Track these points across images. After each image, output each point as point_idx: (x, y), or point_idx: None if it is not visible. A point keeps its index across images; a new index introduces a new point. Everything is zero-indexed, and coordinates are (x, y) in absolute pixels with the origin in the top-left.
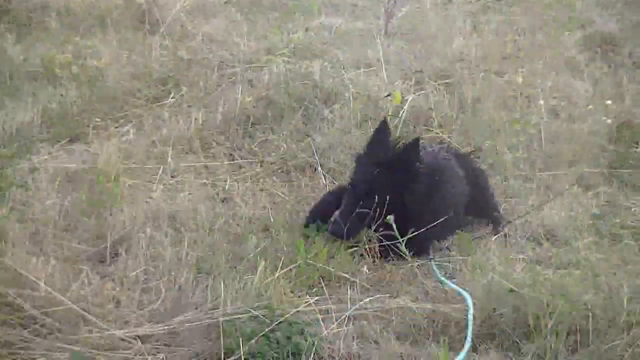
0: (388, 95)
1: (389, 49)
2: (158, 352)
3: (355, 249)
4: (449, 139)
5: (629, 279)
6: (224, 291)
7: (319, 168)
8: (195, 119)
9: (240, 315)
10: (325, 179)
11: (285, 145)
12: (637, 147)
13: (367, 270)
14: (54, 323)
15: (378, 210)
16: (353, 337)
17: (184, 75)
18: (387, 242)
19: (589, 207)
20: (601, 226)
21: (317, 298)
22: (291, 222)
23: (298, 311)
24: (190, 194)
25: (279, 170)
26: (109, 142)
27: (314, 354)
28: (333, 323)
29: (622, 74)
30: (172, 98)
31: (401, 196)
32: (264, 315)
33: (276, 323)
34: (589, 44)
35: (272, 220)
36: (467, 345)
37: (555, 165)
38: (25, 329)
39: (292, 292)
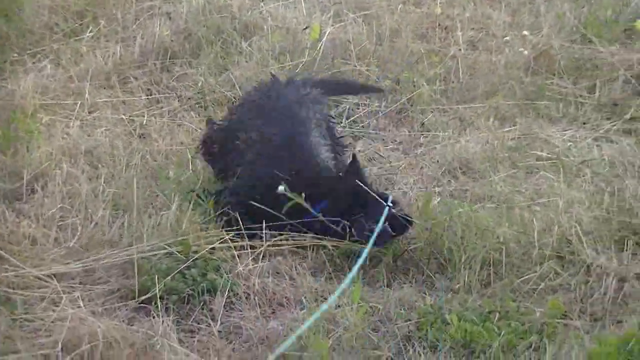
0: (306, 28)
1: None
2: (74, 290)
3: None
4: (367, 71)
5: (544, 211)
6: (139, 228)
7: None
8: (113, 53)
9: (156, 252)
10: None
11: (203, 80)
12: (553, 79)
13: None
14: None
15: None
16: (268, 273)
17: (101, 8)
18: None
19: (505, 139)
20: (516, 158)
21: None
22: None
23: (213, 248)
24: (107, 129)
25: (197, 105)
26: (26, 78)
27: (229, 290)
28: (248, 259)
29: (539, 4)
30: (90, 32)
31: None
32: (179, 252)
33: (191, 260)
34: None
35: (189, 155)
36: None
37: (472, 97)
38: None
39: (207, 229)
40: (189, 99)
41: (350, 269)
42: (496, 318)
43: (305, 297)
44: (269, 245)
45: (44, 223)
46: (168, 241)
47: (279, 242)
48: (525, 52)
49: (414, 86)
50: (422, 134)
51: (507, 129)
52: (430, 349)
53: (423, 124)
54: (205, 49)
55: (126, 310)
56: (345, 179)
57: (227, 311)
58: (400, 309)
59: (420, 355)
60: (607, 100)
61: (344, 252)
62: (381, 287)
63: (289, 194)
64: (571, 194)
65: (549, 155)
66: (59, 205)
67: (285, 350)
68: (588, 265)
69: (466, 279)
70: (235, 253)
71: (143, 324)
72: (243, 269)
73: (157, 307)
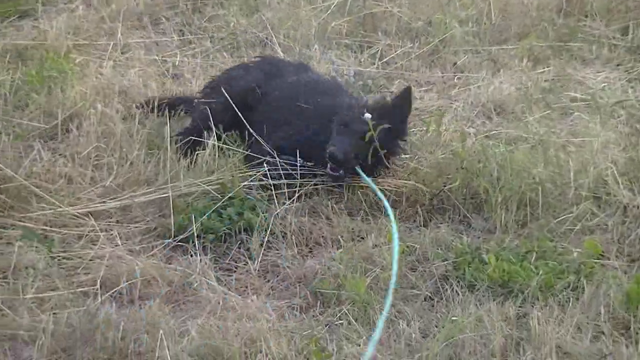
0: None
1: None
2: (111, 229)
3: None
4: (398, 13)
5: (579, 152)
6: (175, 167)
7: (272, 42)
8: None
9: (192, 191)
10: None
11: (235, 20)
12: (586, 21)
13: None
14: (5, 200)
15: None
16: (305, 213)
17: None
18: None
19: (538, 81)
20: (550, 100)
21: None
22: None
23: (250, 187)
24: (140, 69)
25: (229, 46)
26: (58, 18)
27: (265, 229)
28: (285, 199)
29: None
30: None
31: None
32: (216, 191)
33: (227, 198)
34: None
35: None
36: (395, 246)
37: (504, 39)
38: None
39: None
40: (221, 39)
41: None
42: (533, 258)
43: (341, 237)
44: (303, 185)
45: (80, 162)
46: (204, 181)
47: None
48: None
49: (446, 28)
50: (455, 76)
51: (541, 71)
52: (468, 289)
53: (456, 65)
54: None
55: (164, 248)
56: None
57: (264, 250)
58: (437, 249)
59: (458, 294)
60: None
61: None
62: (418, 226)
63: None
64: (606, 134)
65: (583, 97)
66: (94, 145)
67: (323, 289)
68: (625, 206)
69: (503, 219)
70: (273, 192)
71: (181, 263)
72: (280, 209)
73: (195, 245)
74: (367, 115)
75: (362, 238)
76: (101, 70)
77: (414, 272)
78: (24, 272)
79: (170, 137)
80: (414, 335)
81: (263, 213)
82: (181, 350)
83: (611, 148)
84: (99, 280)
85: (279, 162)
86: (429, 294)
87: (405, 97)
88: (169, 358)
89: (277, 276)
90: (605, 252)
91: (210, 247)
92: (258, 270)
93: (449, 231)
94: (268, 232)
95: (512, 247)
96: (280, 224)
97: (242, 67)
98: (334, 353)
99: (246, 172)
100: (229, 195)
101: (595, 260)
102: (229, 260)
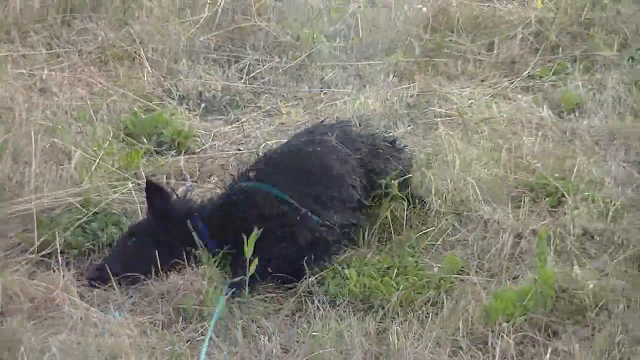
0: None
1: None
2: None
3: None
4: (267, 27)
5: (442, 168)
6: (38, 181)
7: (140, 56)
8: (13, 7)
9: (56, 205)
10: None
11: (103, 34)
12: (452, 36)
13: None
14: None
15: None
16: None
17: None
18: None
19: (403, 96)
20: (415, 115)
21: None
22: (109, 112)
23: (115, 200)
24: (8, 83)
25: (98, 60)
26: None
27: None
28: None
29: None
30: None
31: None
32: (81, 206)
33: (91, 214)
34: None
35: (90, 110)
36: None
37: (372, 54)
38: None
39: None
40: (89, 53)
41: None
42: (394, 273)
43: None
44: None
45: None
46: (68, 193)
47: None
48: (424, 9)
49: (314, 42)
50: (322, 91)
51: (406, 86)
52: (329, 304)
53: (323, 80)
54: (105, 3)
55: (26, 264)
56: None
57: None
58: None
59: (319, 309)
60: (506, 58)
61: None
62: None
63: None
64: (470, 150)
65: (448, 112)
66: None
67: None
68: (485, 222)
69: (365, 235)
70: (138, 206)
71: (44, 278)
72: None
73: (58, 261)
74: None
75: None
76: None
77: (278, 289)
78: None
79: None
80: (274, 350)
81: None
82: None
83: (474, 164)
84: None
85: None
86: (292, 310)
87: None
88: None
89: (140, 292)
90: (465, 267)
91: (74, 263)
92: (121, 286)
93: None
94: None
95: (374, 262)
96: None
97: None
98: None
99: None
100: (94, 210)
101: (455, 275)
102: None
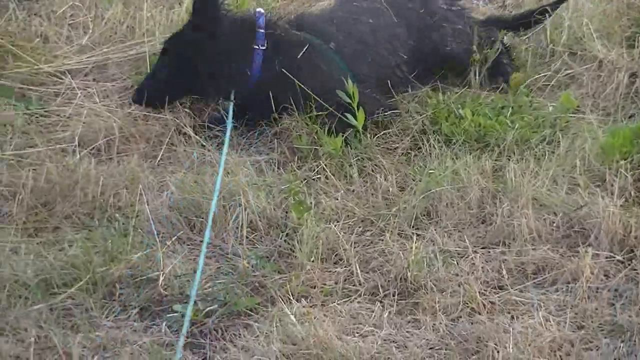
0: None
1: None
2: (88, 87)
3: None
4: None
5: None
6: (149, 24)
7: None
8: None
9: None
10: None
11: None
12: None
13: None
14: None
15: None
16: None
17: None
18: None
19: None
20: None
21: None
22: None
23: None
24: None
25: None
26: None
27: None
28: None
29: None
30: None
31: None
32: None
33: None
34: None
35: None
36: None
37: None
38: None
39: None
40: None
41: None
42: (509, 113)
43: None
44: None
45: (55, 21)
46: None
47: None
48: None
49: None
50: None
51: None
52: (444, 143)
53: None
54: None
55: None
56: None
57: None
58: (415, 104)
59: (435, 148)
60: None
61: None
62: None
63: None
64: None
65: None
66: (69, 3)
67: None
68: (600, 61)
69: (478, 75)
70: None
71: (158, 120)
72: None
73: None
74: None
75: None
76: None
77: (392, 127)
78: (2, 129)
79: None
80: (391, 189)
81: None
82: (160, 204)
83: (586, 4)
84: (77, 137)
85: None
86: (407, 149)
87: None
88: (148, 212)
89: (255, 132)
90: (580, 106)
91: (188, 105)
92: (235, 127)
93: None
94: None
95: (488, 102)
96: None
97: None
98: (312, 207)
99: None
100: None
101: (571, 115)
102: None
